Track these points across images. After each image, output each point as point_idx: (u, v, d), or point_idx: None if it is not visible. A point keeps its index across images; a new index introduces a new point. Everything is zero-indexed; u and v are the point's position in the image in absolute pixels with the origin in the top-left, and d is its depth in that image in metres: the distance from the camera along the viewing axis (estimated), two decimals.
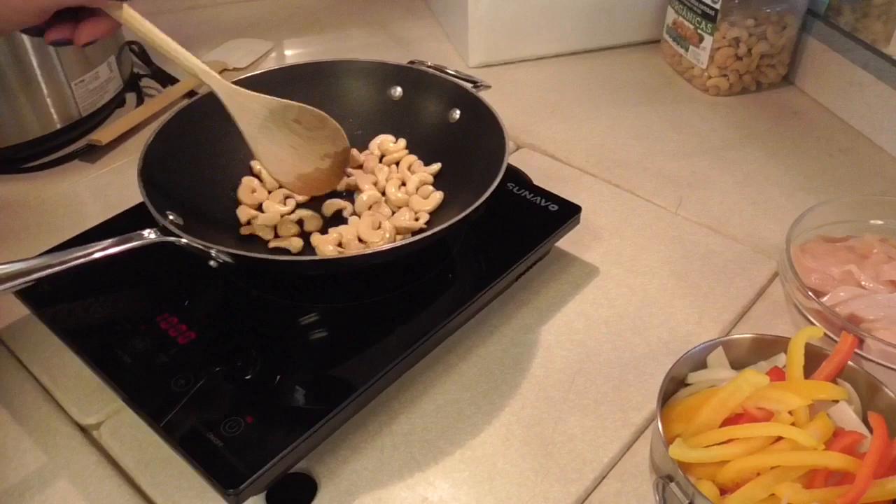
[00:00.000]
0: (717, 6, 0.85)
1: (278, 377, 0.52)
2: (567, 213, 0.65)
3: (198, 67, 0.55)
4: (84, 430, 0.55)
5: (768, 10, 0.86)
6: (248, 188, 0.64)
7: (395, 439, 0.53)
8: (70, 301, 0.57)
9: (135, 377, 0.51)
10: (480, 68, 0.97)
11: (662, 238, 0.71)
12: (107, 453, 0.53)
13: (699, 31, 0.89)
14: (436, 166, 0.66)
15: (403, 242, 0.52)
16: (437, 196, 0.63)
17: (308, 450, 0.51)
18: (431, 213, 0.63)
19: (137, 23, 0.52)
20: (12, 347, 0.61)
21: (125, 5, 0.51)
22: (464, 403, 0.56)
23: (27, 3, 0.48)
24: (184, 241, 0.50)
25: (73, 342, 0.54)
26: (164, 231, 0.51)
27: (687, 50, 0.92)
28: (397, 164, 0.67)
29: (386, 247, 0.53)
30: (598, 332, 0.62)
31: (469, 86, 0.66)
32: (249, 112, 0.56)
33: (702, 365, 0.51)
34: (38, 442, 0.54)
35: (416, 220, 0.61)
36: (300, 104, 0.57)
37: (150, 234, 0.51)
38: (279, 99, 0.57)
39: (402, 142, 0.68)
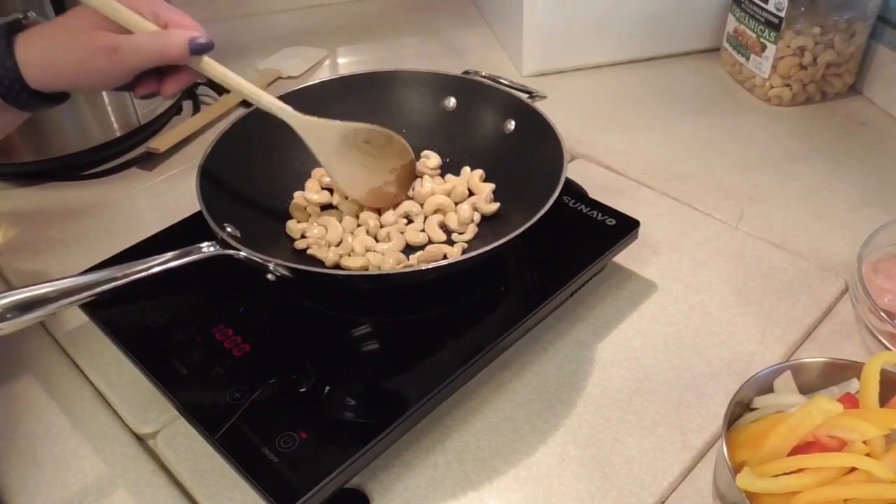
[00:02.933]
0: (782, 14, 0.83)
1: (332, 391, 0.51)
2: (625, 227, 0.63)
3: (273, 105, 0.58)
4: (140, 439, 0.55)
5: (836, 18, 0.83)
6: (300, 205, 0.65)
7: (448, 457, 0.53)
8: (128, 309, 0.57)
9: (190, 388, 0.51)
10: (534, 77, 0.96)
11: (723, 253, 0.69)
12: (162, 463, 0.53)
13: (762, 39, 0.86)
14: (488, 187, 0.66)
15: (461, 258, 0.51)
16: (493, 207, 0.63)
17: (361, 466, 0.50)
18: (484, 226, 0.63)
19: (215, 70, 0.55)
20: (72, 354, 0.62)
21: (205, 57, 0.54)
22: (518, 422, 0.55)
23: (116, 69, 0.51)
24: (242, 254, 0.50)
25: (130, 350, 0.54)
26: (222, 244, 0.51)
27: (748, 59, 0.89)
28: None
29: (443, 262, 0.53)
30: (656, 350, 0.60)
31: (524, 96, 0.65)
32: (324, 141, 0.59)
33: (768, 389, 0.49)
34: (96, 449, 0.54)
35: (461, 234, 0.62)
36: (369, 126, 0.60)
37: (209, 248, 0.51)
38: (349, 123, 0.60)
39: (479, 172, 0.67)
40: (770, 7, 0.84)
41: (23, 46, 0.50)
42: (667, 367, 0.59)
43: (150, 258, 0.49)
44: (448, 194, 0.65)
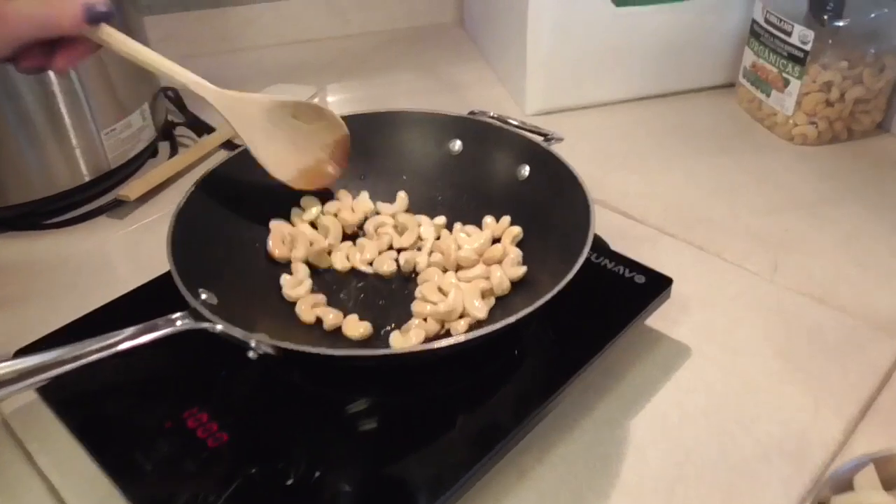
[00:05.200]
0: (808, 47, 0.77)
1: (324, 483, 0.43)
2: (656, 285, 0.56)
3: (189, 79, 0.52)
4: None
5: (864, 51, 0.77)
6: (278, 237, 0.58)
7: None
8: (82, 387, 0.49)
9: (155, 488, 0.43)
10: (539, 116, 0.90)
11: (760, 310, 0.62)
12: None
13: (784, 74, 0.80)
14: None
15: (481, 332, 0.43)
16: (520, 272, 0.55)
17: None
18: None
19: (118, 42, 0.48)
20: (21, 436, 0.53)
21: (103, 25, 0.47)
22: None
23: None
24: (219, 328, 0.43)
25: (84, 440, 0.46)
26: (195, 316, 0.43)
27: (769, 95, 0.83)
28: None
29: (459, 339, 0.45)
30: (696, 425, 0.53)
31: (539, 139, 0.59)
32: (247, 117, 0.55)
33: (847, 485, 0.41)
34: None
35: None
36: (295, 100, 0.56)
37: (180, 322, 0.43)
38: (273, 97, 0.56)
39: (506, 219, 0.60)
40: (794, 40, 0.78)
41: None
42: (711, 446, 0.51)
43: (109, 336, 0.41)
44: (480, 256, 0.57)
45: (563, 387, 0.49)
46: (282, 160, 0.56)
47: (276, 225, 0.58)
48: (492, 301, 0.54)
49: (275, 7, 1.08)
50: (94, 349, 0.40)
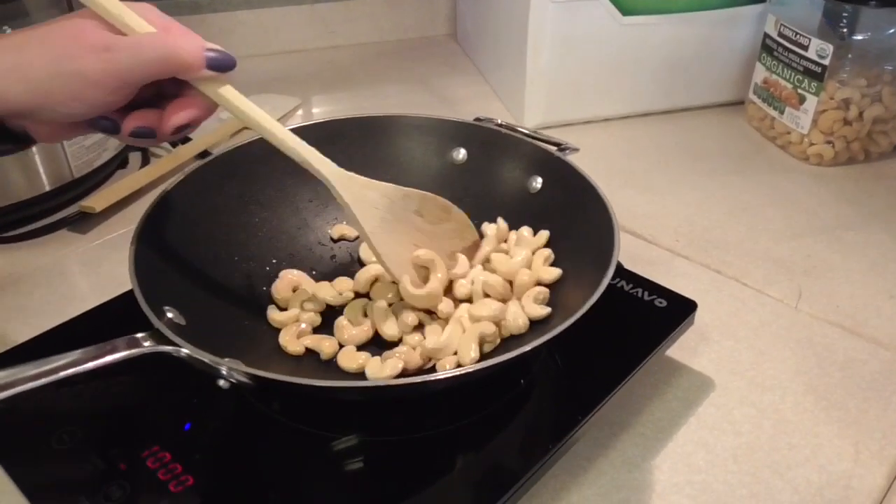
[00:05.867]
0: (826, 62, 0.72)
1: None
2: (680, 310, 0.50)
3: (314, 157, 0.44)
4: None
5: (883, 68, 0.73)
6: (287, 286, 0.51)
7: None
8: (23, 418, 0.42)
9: None
10: (538, 131, 0.84)
11: (787, 341, 0.57)
12: None
13: (800, 90, 0.76)
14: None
15: (484, 364, 0.37)
16: (544, 312, 0.48)
17: None
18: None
19: (236, 101, 0.41)
20: None
21: (227, 84, 0.40)
22: None
23: (106, 72, 0.36)
24: (184, 352, 0.36)
25: (23, 486, 0.39)
26: (158, 338, 0.37)
27: (782, 112, 0.79)
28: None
29: (458, 371, 0.39)
30: (725, 470, 0.47)
31: (553, 149, 0.53)
32: (368, 203, 0.45)
33: None
34: None
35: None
36: (423, 192, 0.48)
37: (141, 342, 0.37)
38: (398, 187, 0.47)
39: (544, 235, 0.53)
40: (811, 54, 0.74)
41: None
42: (744, 494, 0.45)
43: (50, 360, 0.35)
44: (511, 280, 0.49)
45: (577, 427, 0.43)
46: (403, 262, 0.47)
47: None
48: (496, 343, 0.47)
49: (256, 16, 1.03)
50: (29, 376, 0.34)
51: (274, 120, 0.43)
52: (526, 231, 0.52)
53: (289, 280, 0.51)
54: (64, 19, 0.38)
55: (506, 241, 0.53)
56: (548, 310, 0.47)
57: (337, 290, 0.51)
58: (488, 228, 0.53)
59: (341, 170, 0.45)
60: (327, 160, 0.44)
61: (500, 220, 0.53)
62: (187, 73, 0.39)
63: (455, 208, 0.49)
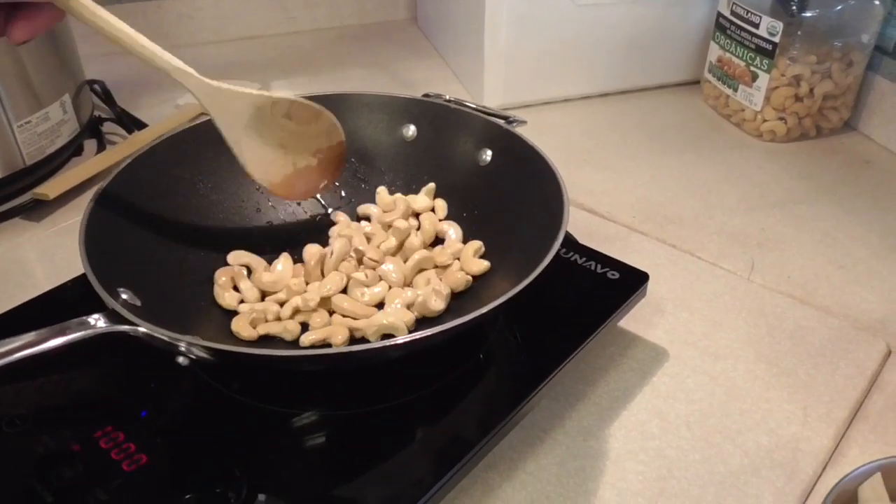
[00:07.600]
0: (776, 39, 0.74)
1: None
2: (632, 282, 0.51)
3: (170, 63, 0.45)
4: None
5: (832, 45, 0.75)
6: (227, 281, 0.50)
7: None
8: None
9: None
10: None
11: (739, 311, 0.58)
12: None
13: (752, 67, 0.77)
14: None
15: (440, 328, 0.38)
16: (483, 266, 0.50)
17: None
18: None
19: (89, 11, 0.41)
20: None
21: None
22: None
23: None
24: (141, 330, 0.36)
25: None
26: (113, 317, 0.37)
27: (736, 90, 0.80)
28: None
29: (414, 336, 0.39)
30: (678, 436, 0.48)
31: (501, 121, 0.54)
32: (233, 113, 0.47)
33: (850, 497, 0.37)
34: None
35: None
36: (292, 97, 0.49)
37: (96, 322, 0.37)
38: (267, 93, 0.48)
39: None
40: (762, 31, 0.75)
41: None
42: (695, 458, 0.46)
43: (5, 342, 0.34)
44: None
45: (532, 394, 0.43)
46: (266, 163, 0.49)
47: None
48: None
49: (214, 1, 1.02)
50: None
51: (132, 30, 0.43)
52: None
53: (232, 271, 0.51)
54: None
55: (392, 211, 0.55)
56: (486, 263, 0.50)
57: (283, 282, 0.51)
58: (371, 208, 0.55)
59: (207, 80, 0.45)
60: (191, 70, 0.45)
61: (382, 189, 0.56)
62: None
63: (325, 111, 0.50)
